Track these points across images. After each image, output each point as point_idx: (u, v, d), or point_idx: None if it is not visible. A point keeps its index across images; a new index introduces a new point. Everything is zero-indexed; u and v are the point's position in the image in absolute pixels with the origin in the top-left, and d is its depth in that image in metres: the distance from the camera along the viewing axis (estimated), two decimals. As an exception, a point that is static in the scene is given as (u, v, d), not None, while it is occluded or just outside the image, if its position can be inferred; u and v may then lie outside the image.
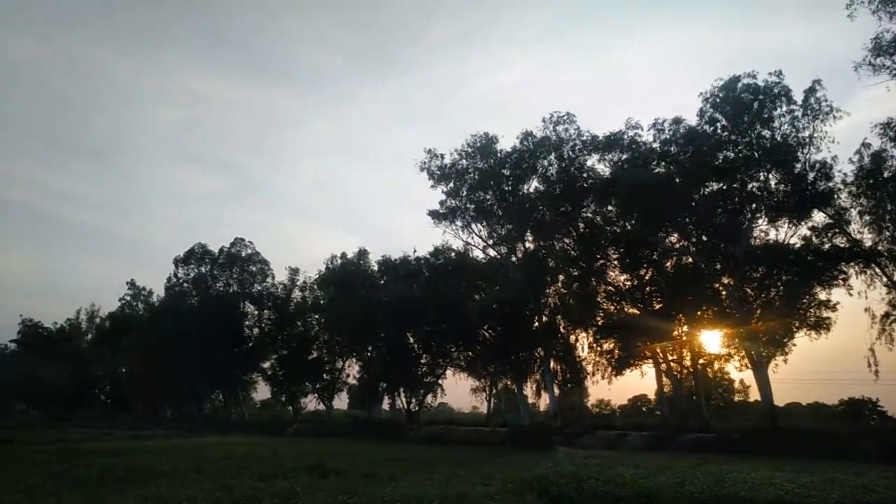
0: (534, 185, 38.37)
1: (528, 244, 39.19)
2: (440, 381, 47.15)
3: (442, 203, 39.98)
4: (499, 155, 38.43)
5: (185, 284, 60.17)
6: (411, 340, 46.13)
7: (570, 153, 36.87)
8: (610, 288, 37.01)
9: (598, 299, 37.22)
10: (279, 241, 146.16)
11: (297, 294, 56.77)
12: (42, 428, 45.17)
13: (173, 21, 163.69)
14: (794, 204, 29.87)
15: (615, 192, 33.96)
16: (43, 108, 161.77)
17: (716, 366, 40.16)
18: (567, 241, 38.05)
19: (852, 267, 29.81)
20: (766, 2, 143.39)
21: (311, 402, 56.47)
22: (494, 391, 46.93)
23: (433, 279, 42.85)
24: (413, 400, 47.16)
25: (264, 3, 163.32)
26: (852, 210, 29.48)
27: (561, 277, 39.13)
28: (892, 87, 25.52)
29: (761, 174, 30.60)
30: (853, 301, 29.88)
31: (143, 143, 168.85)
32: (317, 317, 53.70)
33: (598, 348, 37.56)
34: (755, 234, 31.59)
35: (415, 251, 46.69)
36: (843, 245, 30.08)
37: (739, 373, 37.80)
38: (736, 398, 57.50)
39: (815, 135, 29.30)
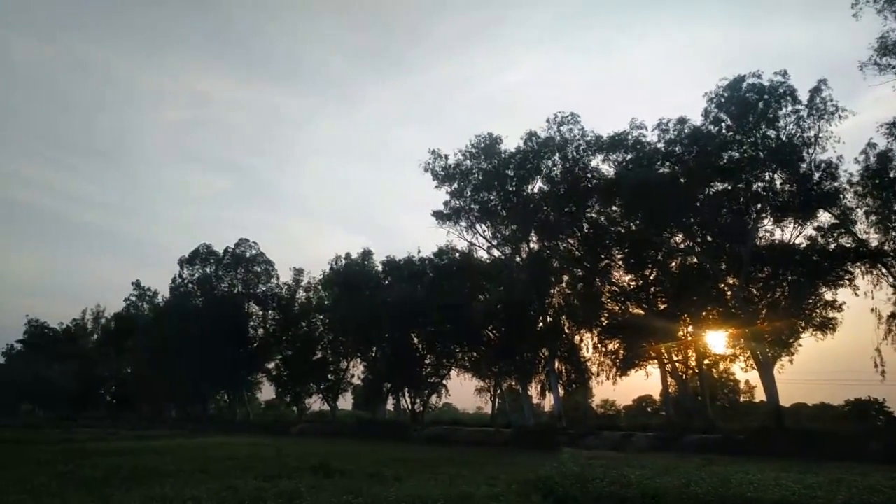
0: (538, 185, 38.37)
1: (532, 244, 39.16)
2: (444, 382, 47.19)
3: (446, 203, 40.01)
4: (503, 155, 38.40)
5: (190, 285, 60.34)
6: (415, 341, 46.15)
7: (575, 153, 36.83)
8: (614, 288, 36.94)
9: (603, 299, 37.14)
10: (283, 242, 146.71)
11: (301, 294, 56.89)
12: (47, 428, 45.39)
13: (178, 21, 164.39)
14: (799, 204, 29.78)
15: (620, 192, 33.88)
16: (48, 109, 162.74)
17: (721, 366, 40.09)
18: (571, 241, 38.02)
19: (858, 267, 29.69)
20: (767, 1, 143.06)
21: (315, 403, 56.56)
22: (499, 392, 46.88)
23: (437, 280, 42.89)
24: (417, 400, 47.18)
25: (269, 3, 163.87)
26: (858, 210, 29.43)
27: (565, 278, 39.10)
28: (899, 86, 25.39)
29: (766, 174, 30.50)
30: (859, 301, 29.84)
31: (148, 143, 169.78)
32: (321, 317, 53.75)
33: (603, 349, 37.49)
34: (760, 235, 31.49)
35: (419, 252, 46.87)
36: (848, 245, 29.96)
37: (745, 373, 37.80)
38: (741, 399, 57.31)
39: (821, 135, 29.21)
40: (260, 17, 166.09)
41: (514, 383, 42.99)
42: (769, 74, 30.08)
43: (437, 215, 40.17)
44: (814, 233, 30.64)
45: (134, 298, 72.38)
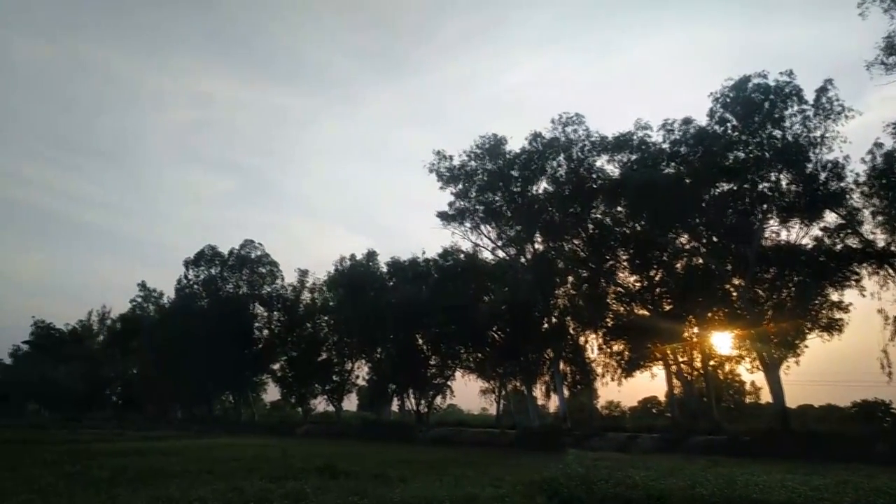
0: (543, 186, 38.36)
1: (537, 245, 39.14)
2: (449, 383, 47.20)
3: (451, 204, 40.04)
4: (508, 156, 38.42)
5: (196, 286, 60.49)
6: (420, 342, 46.17)
7: (580, 154, 36.82)
8: (619, 289, 36.90)
9: (608, 300, 37.10)
10: (288, 242, 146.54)
11: (306, 296, 56.95)
12: (54, 428, 45.60)
13: (180, 21, 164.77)
14: (805, 204, 29.68)
15: (625, 192, 33.85)
16: (52, 110, 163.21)
17: (727, 367, 39.89)
18: (576, 242, 37.99)
19: (865, 268, 29.56)
20: (771, 1, 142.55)
21: (320, 404, 56.60)
22: (504, 393, 46.85)
23: (442, 281, 42.87)
24: (422, 401, 47.21)
25: (271, 4, 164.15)
26: (865, 210, 29.29)
27: (570, 279, 39.06)
28: (906, 85, 25.33)
29: (772, 174, 30.42)
30: (866, 302, 29.69)
31: (152, 143, 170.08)
32: (326, 318, 53.81)
33: (608, 350, 37.47)
34: (766, 235, 31.40)
35: (424, 252, 46.80)
36: (855, 245, 29.84)
37: (751, 374, 37.61)
38: (747, 400, 57.05)
39: (827, 135, 29.16)
40: (263, 17, 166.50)
41: (518, 384, 42.99)
42: (774, 74, 30.12)
43: (442, 216, 40.24)
44: (820, 233, 30.57)
45: (140, 299, 72.57)
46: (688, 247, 34.30)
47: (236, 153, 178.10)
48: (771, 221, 31.22)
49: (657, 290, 36.15)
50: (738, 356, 34.70)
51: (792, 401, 33.98)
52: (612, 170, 35.90)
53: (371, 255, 51.05)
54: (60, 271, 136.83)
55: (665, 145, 33.10)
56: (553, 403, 42.60)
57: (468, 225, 40.13)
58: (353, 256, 51.18)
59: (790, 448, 23.66)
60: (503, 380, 44.09)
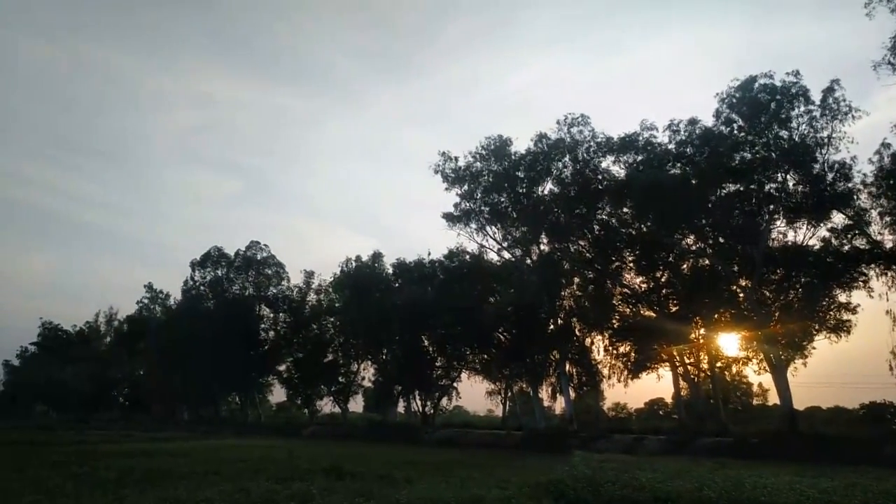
0: (548, 187, 38.31)
1: (542, 246, 39.13)
2: (455, 384, 47.24)
3: (456, 206, 40.03)
4: (513, 157, 38.39)
5: (202, 287, 60.72)
6: (426, 343, 46.20)
7: (585, 155, 36.76)
8: (626, 290, 36.81)
9: (614, 302, 37.03)
10: (293, 244, 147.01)
11: (312, 297, 57.04)
12: (61, 429, 45.82)
13: (182, 22, 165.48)
14: (812, 205, 29.55)
15: (630, 193, 33.75)
16: (52, 110, 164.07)
17: (734, 369, 39.71)
18: (582, 243, 37.93)
19: (873, 269, 29.38)
20: (777, 1, 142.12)
21: (326, 405, 56.70)
22: (510, 394, 46.84)
23: (448, 282, 42.89)
24: (428, 403, 47.23)
25: (275, 4, 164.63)
26: (872, 211, 29.11)
27: (576, 280, 39.01)
28: (913, 86, 25.20)
29: (779, 175, 30.32)
30: (874, 303, 29.45)
31: (154, 144, 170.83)
32: (332, 320, 53.87)
33: (614, 351, 37.36)
34: (773, 236, 31.30)
35: (429, 254, 46.85)
36: (863, 246, 29.67)
37: (758, 376, 37.41)
38: (754, 402, 56.95)
39: (834, 135, 28.99)
40: (265, 17, 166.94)
41: (524, 386, 42.91)
42: (781, 75, 29.99)
43: (448, 217, 40.24)
44: (827, 234, 30.45)
45: (146, 301, 72.93)
46: (694, 248, 34.19)
47: (238, 154, 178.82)
48: (778, 222, 31.11)
49: (663, 291, 36.08)
50: (746, 358, 34.59)
51: (799, 403, 33.88)
52: (618, 171, 35.84)
53: (377, 257, 51.17)
54: (62, 272, 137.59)
55: (671, 146, 32.99)
56: (559, 405, 42.49)
57: (474, 226, 40.14)
58: (358, 258, 51.34)
59: (798, 450, 23.53)
60: (509, 381, 44.04)
